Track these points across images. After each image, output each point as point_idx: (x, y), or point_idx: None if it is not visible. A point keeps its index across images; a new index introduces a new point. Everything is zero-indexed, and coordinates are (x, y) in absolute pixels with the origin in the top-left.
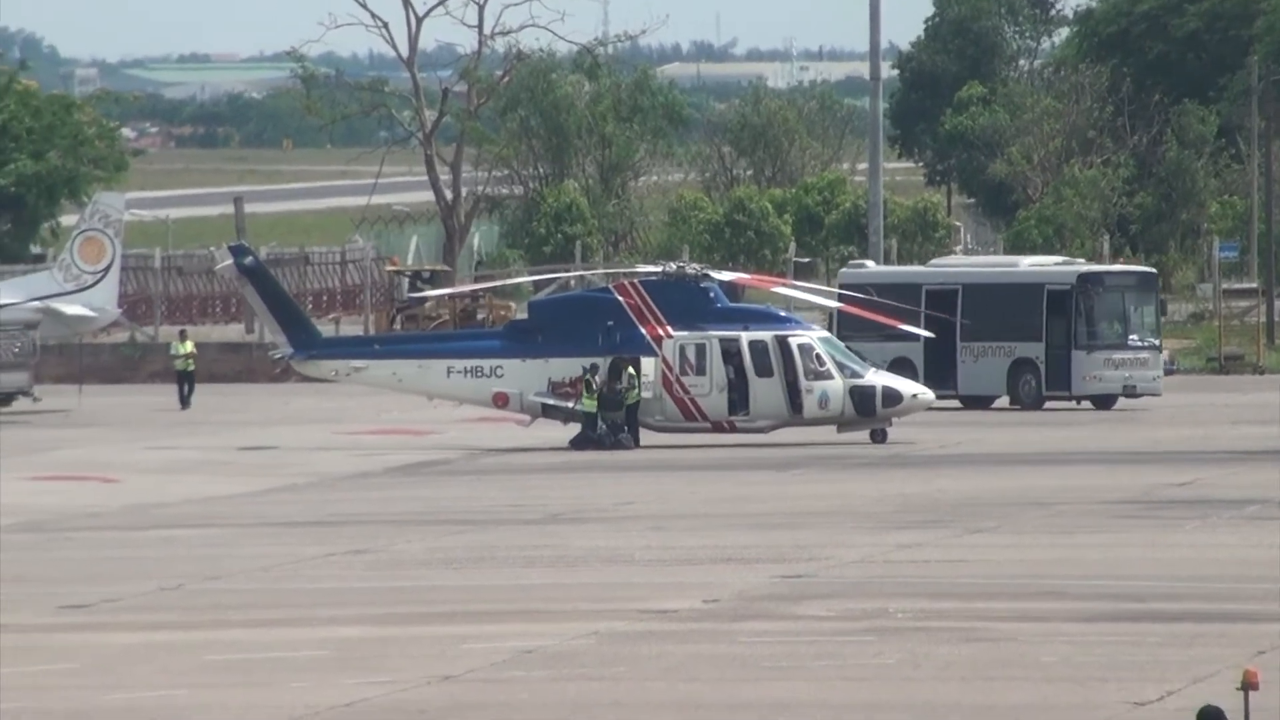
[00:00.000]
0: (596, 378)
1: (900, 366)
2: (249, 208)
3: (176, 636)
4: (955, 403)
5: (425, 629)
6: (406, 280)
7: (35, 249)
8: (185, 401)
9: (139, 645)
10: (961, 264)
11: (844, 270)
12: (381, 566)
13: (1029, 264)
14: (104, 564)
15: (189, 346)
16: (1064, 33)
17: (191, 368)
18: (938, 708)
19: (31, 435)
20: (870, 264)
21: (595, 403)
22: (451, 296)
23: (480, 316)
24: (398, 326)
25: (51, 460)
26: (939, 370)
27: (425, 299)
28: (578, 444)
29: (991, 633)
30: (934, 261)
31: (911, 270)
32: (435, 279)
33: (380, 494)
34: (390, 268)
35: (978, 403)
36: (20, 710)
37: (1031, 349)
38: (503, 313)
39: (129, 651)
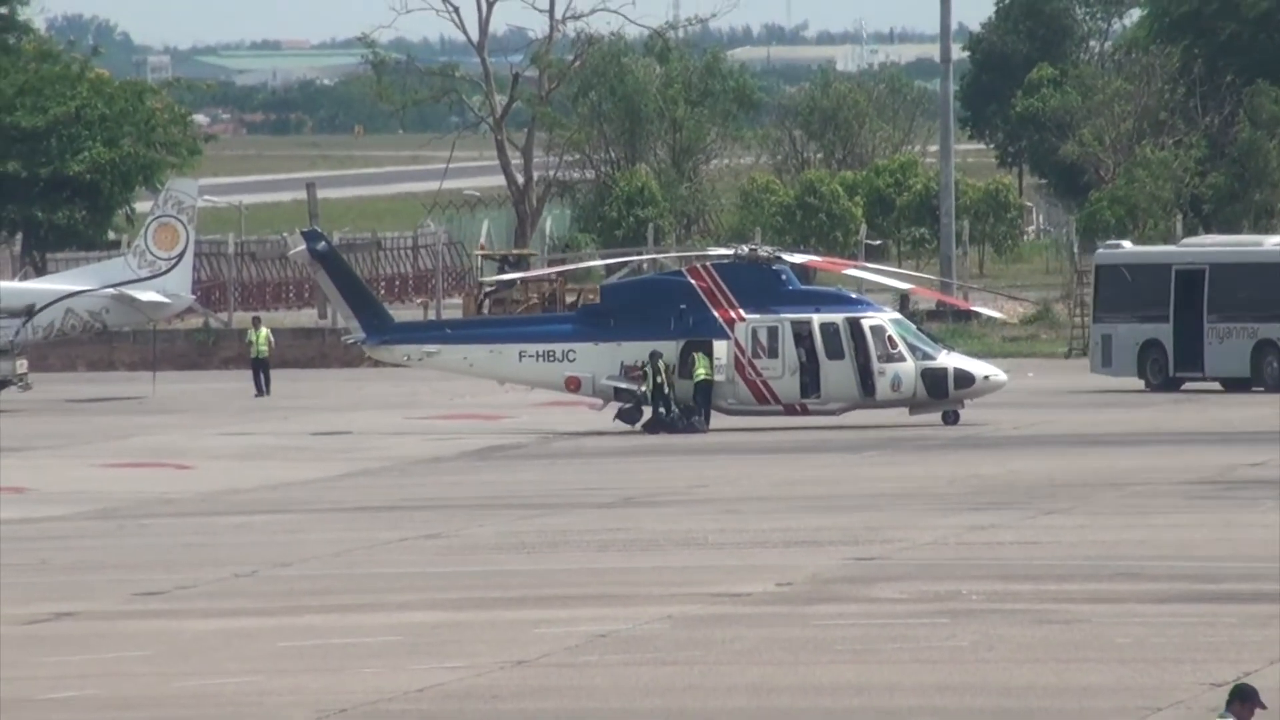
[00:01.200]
0: (660, 363)
1: (1150, 349)
2: (321, 193)
3: (251, 623)
4: (1213, 385)
5: (498, 613)
6: (496, 265)
7: (111, 235)
8: (261, 388)
9: (213, 631)
10: (1211, 243)
11: (1100, 251)
12: (455, 551)
13: (1273, 244)
14: (179, 550)
15: (263, 333)
16: (1135, 14)
17: (264, 354)
18: (1012, 690)
19: (107, 422)
20: (1126, 244)
21: (652, 390)
22: (525, 281)
23: (570, 300)
24: (485, 311)
25: (126, 447)
26: (1187, 352)
27: (512, 283)
28: (648, 428)
29: (1065, 614)
30: (1185, 241)
31: (1163, 250)
32: (521, 263)
33: (453, 478)
34: (478, 252)
35: (1231, 385)
36: (96, 697)
37: (1274, 330)
38: (591, 296)
39: (204, 638)
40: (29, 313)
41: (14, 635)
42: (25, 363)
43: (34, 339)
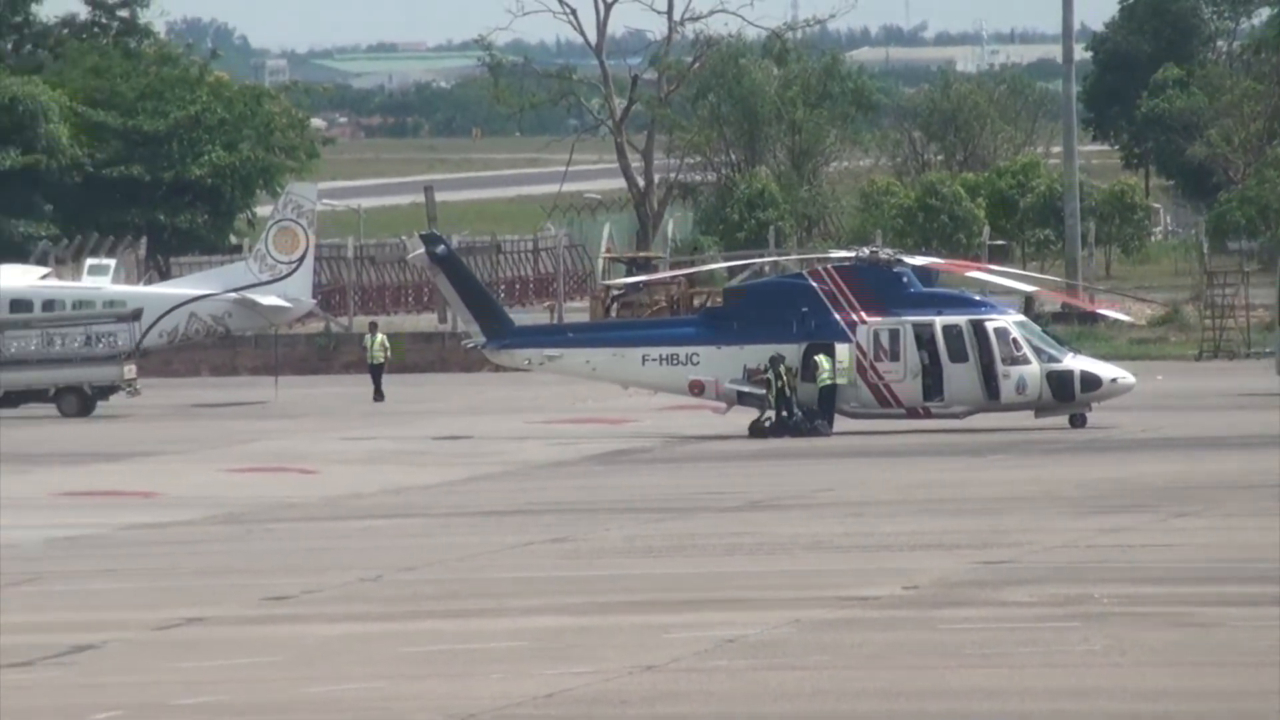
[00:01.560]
0: (782, 367)
1: None
2: (439, 196)
3: (376, 628)
4: None
5: (625, 618)
6: (624, 268)
7: (232, 239)
8: (378, 393)
9: (339, 637)
10: None
11: None
12: (580, 555)
13: None
14: (304, 555)
15: (379, 339)
16: (1264, 13)
17: (379, 360)
18: (1145, 694)
19: (231, 426)
20: None
21: (775, 394)
22: (649, 284)
23: (696, 303)
24: (612, 314)
25: (249, 452)
26: None
27: (638, 286)
28: (772, 431)
29: (1198, 618)
30: None
31: None
32: (648, 266)
33: (578, 482)
34: (604, 255)
35: None
36: (225, 703)
37: None
38: (718, 300)
39: (329, 643)
40: (136, 317)
41: (144, 640)
42: (134, 368)
43: (159, 343)
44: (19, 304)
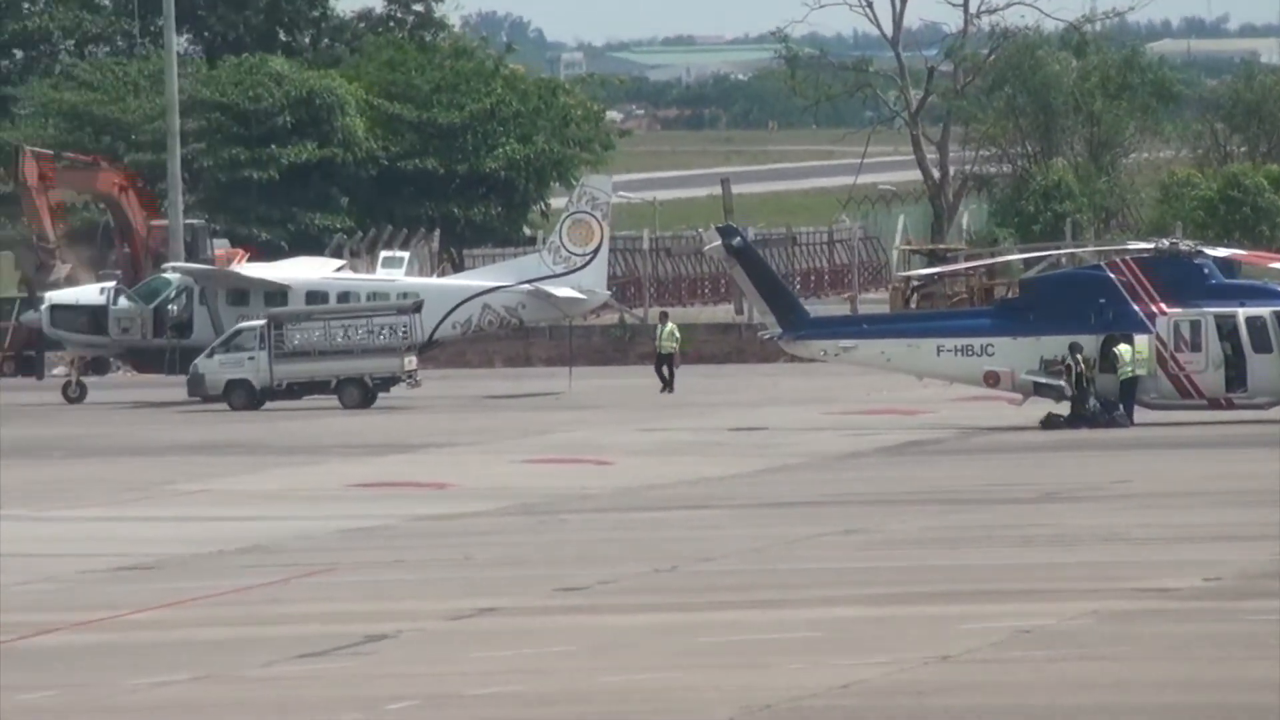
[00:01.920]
0: (1080, 355)
1: None
2: (735, 189)
3: (672, 618)
4: None
5: (920, 609)
6: (924, 259)
7: (526, 232)
8: (666, 383)
9: (634, 627)
10: None
11: None
12: (874, 546)
13: None
14: (598, 546)
15: (669, 329)
16: None
17: (670, 350)
18: None
19: (524, 418)
20: None
21: (1074, 381)
22: (943, 275)
23: (996, 295)
24: (913, 305)
25: (544, 443)
26: None
27: (934, 277)
28: (1068, 422)
29: None
30: None
31: None
32: (949, 258)
33: (872, 473)
34: (904, 246)
35: None
36: (519, 693)
37: None
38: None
39: (625, 633)
40: (417, 309)
41: (439, 630)
42: (414, 359)
43: (452, 335)
44: (314, 296)
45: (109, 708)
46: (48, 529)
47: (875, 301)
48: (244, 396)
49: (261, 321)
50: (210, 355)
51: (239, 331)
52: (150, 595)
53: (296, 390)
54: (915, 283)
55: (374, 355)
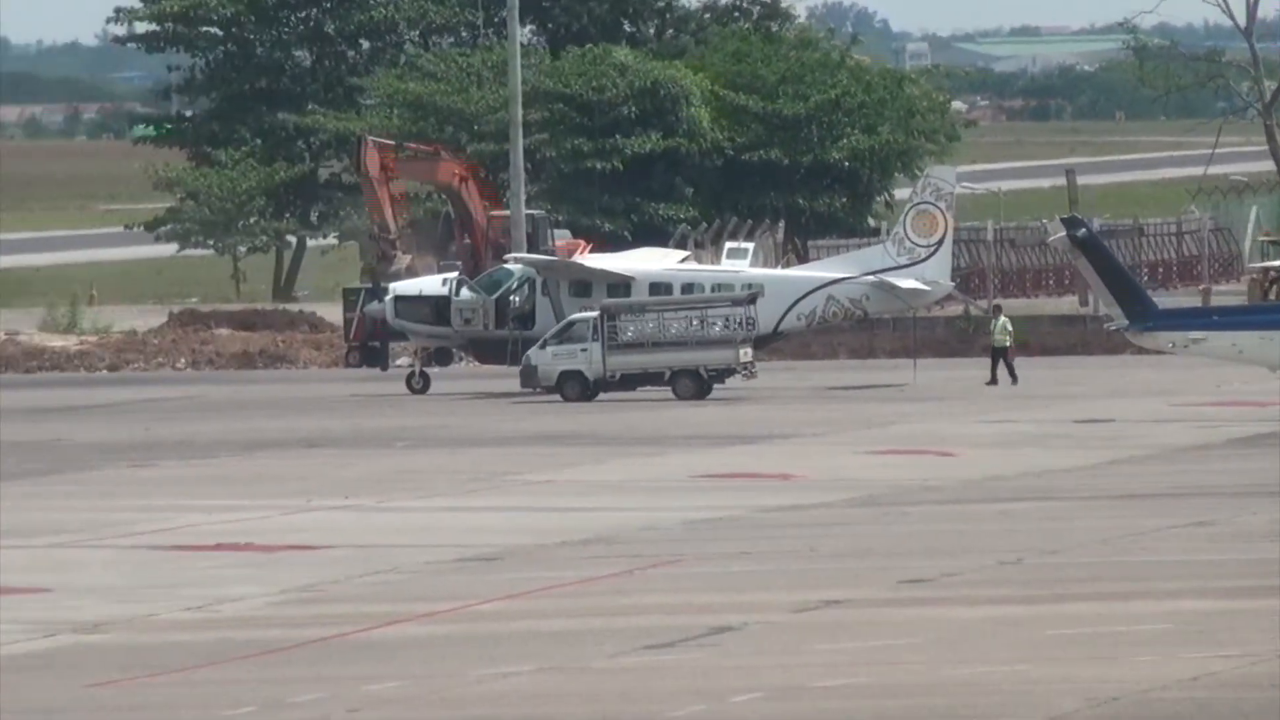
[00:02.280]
0: None
1: None
2: (1080, 179)
3: (1018, 610)
4: None
5: (1272, 602)
6: None
7: (870, 223)
8: (996, 377)
9: (980, 619)
10: None
11: None
12: (1225, 539)
13: None
14: (942, 538)
15: (1000, 322)
16: None
17: (1002, 343)
18: None
19: (868, 409)
20: None
21: None
22: None
23: None
24: (1273, 296)
25: (888, 434)
26: None
27: None
28: None
29: None
30: None
31: None
32: None
33: (1222, 466)
34: (1262, 237)
35: None
36: (865, 685)
37: None
38: None
39: (971, 626)
40: (752, 301)
41: (785, 622)
42: (749, 350)
43: (796, 326)
44: (658, 287)
45: (454, 699)
46: (394, 519)
47: (1227, 294)
48: (577, 388)
49: (595, 313)
50: (543, 347)
51: (572, 323)
52: (494, 586)
53: (630, 382)
54: (1274, 274)
55: (709, 347)
